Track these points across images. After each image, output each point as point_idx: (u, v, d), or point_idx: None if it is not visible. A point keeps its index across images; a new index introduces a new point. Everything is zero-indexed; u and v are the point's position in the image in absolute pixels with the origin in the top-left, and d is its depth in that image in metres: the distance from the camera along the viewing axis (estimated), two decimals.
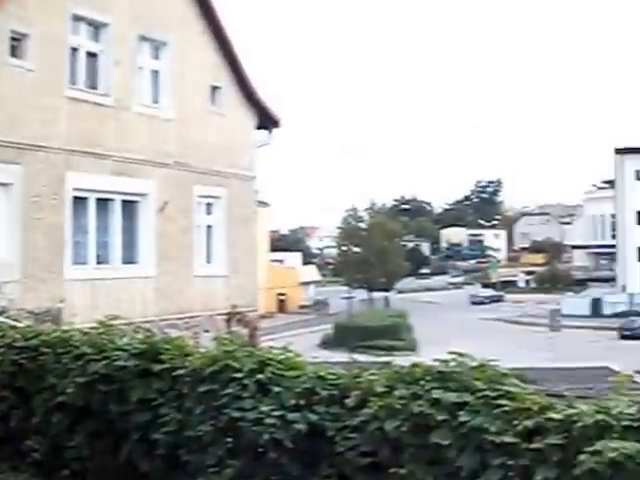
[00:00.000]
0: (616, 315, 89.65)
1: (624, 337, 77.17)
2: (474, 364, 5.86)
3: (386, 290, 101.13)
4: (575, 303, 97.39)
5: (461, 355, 5.96)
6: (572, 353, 58.16)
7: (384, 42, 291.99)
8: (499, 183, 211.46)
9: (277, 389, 6.60)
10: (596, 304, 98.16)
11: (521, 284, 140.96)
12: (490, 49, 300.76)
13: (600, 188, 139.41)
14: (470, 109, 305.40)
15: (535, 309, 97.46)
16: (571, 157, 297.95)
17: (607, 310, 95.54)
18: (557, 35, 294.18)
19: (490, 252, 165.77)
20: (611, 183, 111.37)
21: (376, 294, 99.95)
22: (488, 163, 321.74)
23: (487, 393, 5.52)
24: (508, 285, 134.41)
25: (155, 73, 22.95)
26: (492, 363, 5.87)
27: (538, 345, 63.73)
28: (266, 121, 26.15)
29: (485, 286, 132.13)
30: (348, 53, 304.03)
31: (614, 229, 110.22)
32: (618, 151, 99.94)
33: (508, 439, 5.22)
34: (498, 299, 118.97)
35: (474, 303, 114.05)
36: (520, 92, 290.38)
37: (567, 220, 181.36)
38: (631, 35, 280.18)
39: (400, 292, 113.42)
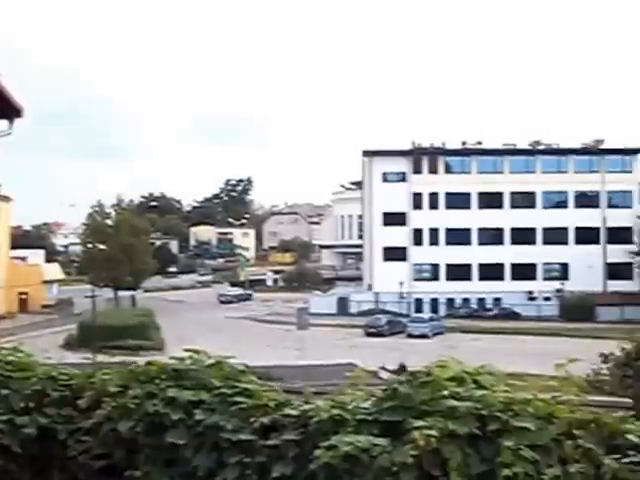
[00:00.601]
0: (362, 313, 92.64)
1: (369, 334, 79.92)
2: (211, 361, 5.75)
3: (133, 289, 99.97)
4: (322, 302, 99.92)
5: (197, 352, 5.84)
6: (319, 350, 59.43)
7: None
8: (249, 182, 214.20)
9: (5, 392, 6.24)
10: (343, 302, 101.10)
11: (269, 283, 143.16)
12: (238, 47, 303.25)
13: (348, 189, 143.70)
14: (222, 107, 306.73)
15: (283, 307, 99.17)
16: (320, 158, 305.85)
17: (353, 308, 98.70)
18: (303, 38, 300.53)
19: (239, 251, 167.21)
20: (359, 184, 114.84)
21: (122, 293, 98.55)
22: (238, 162, 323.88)
23: (224, 391, 5.43)
24: (257, 284, 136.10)
25: None
26: (229, 360, 5.79)
27: (286, 343, 64.80)
28: (7, 110, 25.07)
29: (234, 285, 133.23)
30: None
31: (361, 229, 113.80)
32: (366, 153, 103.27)
33: (244, 437, 5.15)
34: (247, 298, 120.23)
35: (223, 302, 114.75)
36: (270, 91, 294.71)
37: (316, 220, 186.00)
38: (377, 43, 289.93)
39: (147, 291, 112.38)
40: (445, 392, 4.70)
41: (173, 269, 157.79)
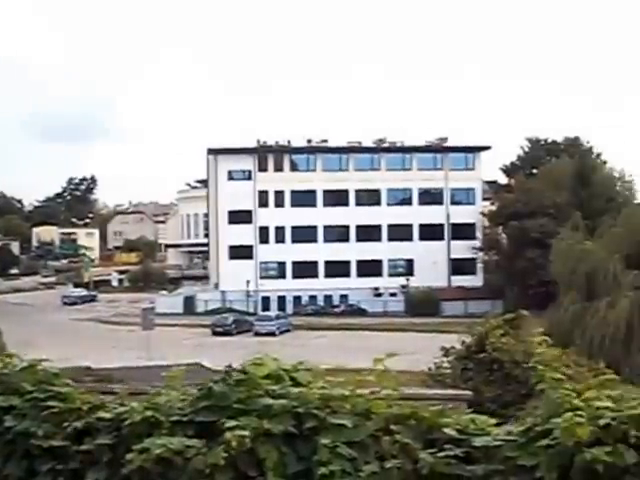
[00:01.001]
0: (209, 312, 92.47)
1: (216, 333, 79.84)
2: (24, 365, 5.52)
3: None
4: (168, 301, 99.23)
5: (10, 356, 5.63)
6: (166, 351, 58.85)
7: None
8: (93, 180, 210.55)
9: None
10: (189, 302, 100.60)
11: (115, 283, 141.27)
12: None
13: (194, 187, 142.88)
14: (61, 104, 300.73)
15: (129, 308, 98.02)
16: (166, 156, 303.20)
17: (200, 308, 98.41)
18: (145, 29, 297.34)
19: (83, 251, 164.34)
20: (204, 183, 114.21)
21: None
22: (81, 160, 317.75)
23: (36, 395, 5.22)
24: (102, 284, 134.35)
25: None
26: (45, 363, 5.58)
27: (132, 344, 64.04)
28: None
29: (78, 286, 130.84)
30: None
31: (207, 228, 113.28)
32: (210, 151, 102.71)
33: (57, 443, 4.97)
34: (91, 299, 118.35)
35: (66, 304, 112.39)
36: (112, 88, 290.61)
37: (161, 219, 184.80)
38: (221, 38, 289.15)
39: None
40: (261, 390, 4.62)
41: (14, 271, 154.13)
